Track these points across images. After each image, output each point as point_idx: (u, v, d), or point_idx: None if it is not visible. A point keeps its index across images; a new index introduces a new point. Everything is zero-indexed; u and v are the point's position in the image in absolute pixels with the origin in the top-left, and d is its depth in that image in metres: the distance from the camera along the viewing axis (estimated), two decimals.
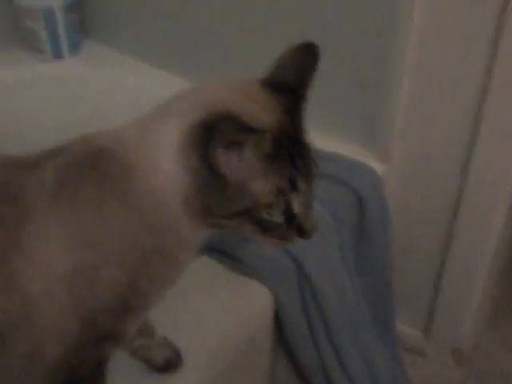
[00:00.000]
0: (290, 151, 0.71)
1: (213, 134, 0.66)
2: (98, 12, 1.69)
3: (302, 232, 0.75)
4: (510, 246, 1.62)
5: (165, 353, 0.98)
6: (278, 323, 1.20)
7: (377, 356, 1.33)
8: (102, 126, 1.59)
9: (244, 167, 0.68)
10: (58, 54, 1.64)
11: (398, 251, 1.45)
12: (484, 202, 1.35)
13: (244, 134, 0.66)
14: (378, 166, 1.36)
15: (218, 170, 0.68)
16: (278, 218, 0.72)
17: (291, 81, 0.75)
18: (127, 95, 1.59)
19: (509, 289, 1.79)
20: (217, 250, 1.16)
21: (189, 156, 0.69)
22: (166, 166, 0.71)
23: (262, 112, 0.71)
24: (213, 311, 1.09)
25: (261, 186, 0.70)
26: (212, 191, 0.70)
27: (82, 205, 0.71)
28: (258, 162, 0.68)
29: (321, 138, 1.35)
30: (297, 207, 0.72)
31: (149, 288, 0.76)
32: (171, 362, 0.99)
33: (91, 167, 0.72)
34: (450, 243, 1.44)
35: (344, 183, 1.30)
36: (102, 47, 1.69)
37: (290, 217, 0.73)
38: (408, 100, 1.32)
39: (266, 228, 0.73)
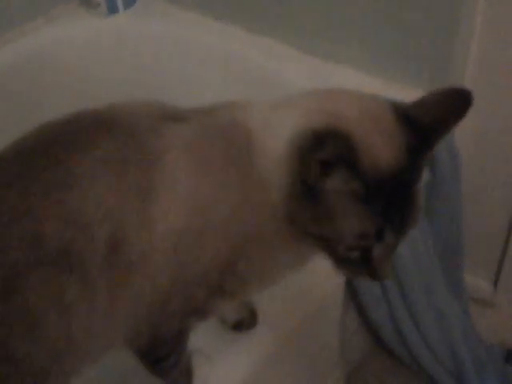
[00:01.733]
0: (390, 199, 0.65)
1: (318, 148, 0.62)
2: None
3: (373, 276, 0.70)
4: None
5: (238, 314, 0.98)
6: (347, 279, 1.19)
7: (447, 308, 1.31)
8: (156, 81, 1.58)
9: (341, 197, 0.64)
10: (113, 9, 1.61)
11: (468, 201, 1.41)
12: None
13: (357, 157, 0.62)
14: None
15: (309, 181, 0.64)
16: (354, 254, 0.69)
17: (429, 121, 0.68)
18: (183, 47, 1.56)
19: None
20: None
21: (293, 157, 0.66)
22: (276, 157, 0.69)
23: (384, 144, 0.65)
24: None
25: (347, 225, 0.65)
26: (301, 203, 0.67)
27: (205, 170, 0.71)
28: (350, 198, 0.64)
29: (386, 85, 1.34)
30: (376, 255, 0.68)
31: (246, 274, 0.76)
32: (244, 323, 0.98)
33: (223, 137, 0.73)
34: None
35: None
36: (156, 0, 1.66)
37: (366, 258, 0.68)
38: (478, 44, 1.27)
39: (339, 259, 0.70)
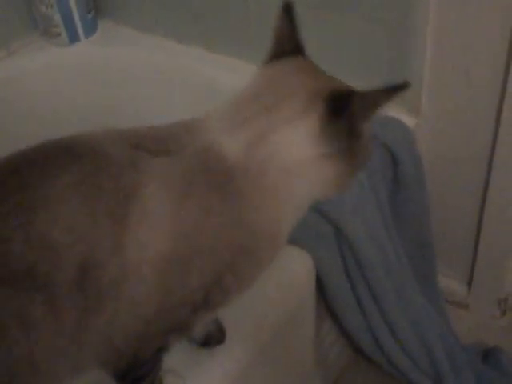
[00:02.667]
0: None
1: (350, 106, 0.71)
2: None
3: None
4: None
5: (206, 330, 0.98)
6: (321, 288, 1.20)
7: (422, 313, 1.32)
8: (123, 107, 1.59)
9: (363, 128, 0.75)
10: (74, 38, 1.63)
11: (436, 204, 1.43)
12: None
13: (367, 96, 0.73)
14: (408, 120, 1.33)
15: (360, 135, 0.74)
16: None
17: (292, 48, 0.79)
18: (147, 71, 1.58)
19: None
20: None
21: (330, 138, 0.73)
22: (301, 163, 0.74)
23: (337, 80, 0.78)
24: None
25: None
26: (355, 155, 0.76)
27: (186, 199, 0.72)
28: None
29: None
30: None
31: (232, 286, 0.77)
32: (212, 338, 0.98)
33: (201, 164, 0.73)
34: (487, 192, 1.42)
35: (376, 140, 1.27)
36: (117, 27, 1.68)
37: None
38: (435, 50, 1.29)
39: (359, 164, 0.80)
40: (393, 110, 1.32)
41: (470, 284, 1.57)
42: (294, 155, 0.73)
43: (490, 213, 1.44)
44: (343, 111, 0.72)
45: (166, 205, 0.71)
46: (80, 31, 1.63)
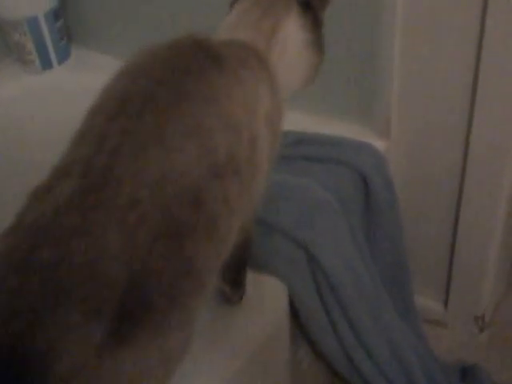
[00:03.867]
0: None
1: (317, 4, 0.97)
2: (83, 17, 1.67)
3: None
4: None
5: None
6: (296, 313, 1.20)
7: (400, 335, 1.32)
8: None
9: None
10: (47, 65, 1.64)
11: (410, 225, 1.44)
12: (490, 166, 1.33)
13: None
14: (378, 144, 1.35)
15: (321, 22, 0.98)
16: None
17: None
18: None
19: None
20: None
21: (309, 29, 0.96)
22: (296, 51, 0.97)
23: None
24: (224, 309, 1.08)
25: None
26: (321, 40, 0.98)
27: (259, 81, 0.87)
28: None
29: (319, 121, 1.37)
30: None
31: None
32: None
33: (261, 64, 0.89)
34: (460, 211, 1.43)
35: (348, 165, 1.29)
36: (90, 52, 1.68)
37: None
38: (403, 73, 1.31)
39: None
40: (364, 135, 1.34)
41: (446, 302, 1.58)
42: (293, 42, 0.96)
43: (464, 231, 1.45)
44: (309, 7, 0.96)
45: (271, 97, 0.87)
46: (53, 58, 1.64)
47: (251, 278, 1.11)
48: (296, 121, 1.21)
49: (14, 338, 0.61)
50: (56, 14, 1.61)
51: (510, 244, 1.58)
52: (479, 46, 1.21)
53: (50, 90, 1.61)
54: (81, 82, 1.62)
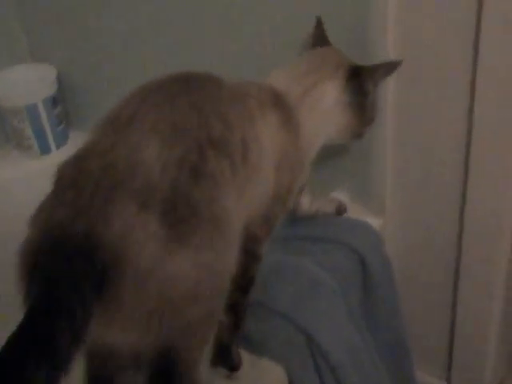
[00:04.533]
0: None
1: (362, 76, 1.12)
2: (81, 102, 1.71)
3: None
4: None
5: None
6: None
7: None
8: None
9: (375, 89, 1.16)
10: (45, 150, 1.66)
11: (408, 301, 1.44)
12: (486, 240, 1.33)
13: (371, 70, 1.14)
14: (374, 221, 1.36)
15: (368, 95, 1.14)
16: (370, 111, 1.19)
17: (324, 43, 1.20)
18: None
19: None
20: None
21: (349, 97, 1.12)
22: (329, 110, 1.12)
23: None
24: None
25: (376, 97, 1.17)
26: (365, 111, 1.16)
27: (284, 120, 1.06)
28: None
29: (313, 199, 1.39)
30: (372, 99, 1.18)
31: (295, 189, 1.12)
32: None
33: (275, 101, 1.06)
34: (458, 287, 1.43)
35: (344, 244, 1.29)
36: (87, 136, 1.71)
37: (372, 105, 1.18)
38: (396, 149, 1.34)
39: (367, 119, 1.19)
40: (359, 213, 1.35)
41: (448, 379, 1.56)
42: (329, 100, 1.11)
43: (463, 305, 1.44)
44: (356, 76, 1.12)
45: (278, 125, 1.04)
46: (51, 143, 1.67)
47: (248, 359, 1.10)
48: None
49: (86, 229, 0.74)
50: (54, 101, 1.65)
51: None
52: (469, 134, 1.24)
53: (49, 174, 1.63)
54: None
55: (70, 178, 0.81)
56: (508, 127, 1.19)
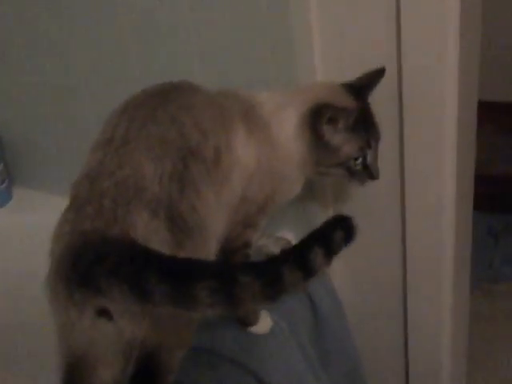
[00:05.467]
0: (364, 123, 1.09)
1: (319, 115, 1.07)
2: (22, 159, 1.70)
3: (371, 176, 1.12)
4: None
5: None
6: None
7: None
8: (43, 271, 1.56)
9: (338, 135, 1.08)
10: None
11: (360, 332, 1.46)
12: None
13: (338, 113, 1.06)
14: None
15: (323, 138, 1.08)
16: (358, 165, 1.10)
17: (363, 84, 1.14)
18: None
19: None
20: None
21: (304, 131, 1.09)
22: (289, 137, 1.10)
23: (346, 101, 1.10)
24: None
25: (349, 147, 1.09)
26: (320, 152, 1.09)
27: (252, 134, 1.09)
28: (347, 131, 1.07)
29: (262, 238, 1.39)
30: (370, 159, 1.10)
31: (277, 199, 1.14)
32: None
33: (245, 112, 1.09)
34: (407, 316, 1.45)
35: None
36: (32, 192, 1.70)
37: (365, 165, 1.10)
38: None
39: (351, 173, 1.11)
40: None
41: None
42: (289, 126, 1.10)
43: (414, 336, 1.46)
44: (314, 115, 1.08)
45: (246, 136, 1.07)
46: None
47: None
48: None
49: (121, 234, 0.86)
50: None
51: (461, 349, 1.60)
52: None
53: None
54: (23, 223, 1.63)
55: (86, 196, 0.92)
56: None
